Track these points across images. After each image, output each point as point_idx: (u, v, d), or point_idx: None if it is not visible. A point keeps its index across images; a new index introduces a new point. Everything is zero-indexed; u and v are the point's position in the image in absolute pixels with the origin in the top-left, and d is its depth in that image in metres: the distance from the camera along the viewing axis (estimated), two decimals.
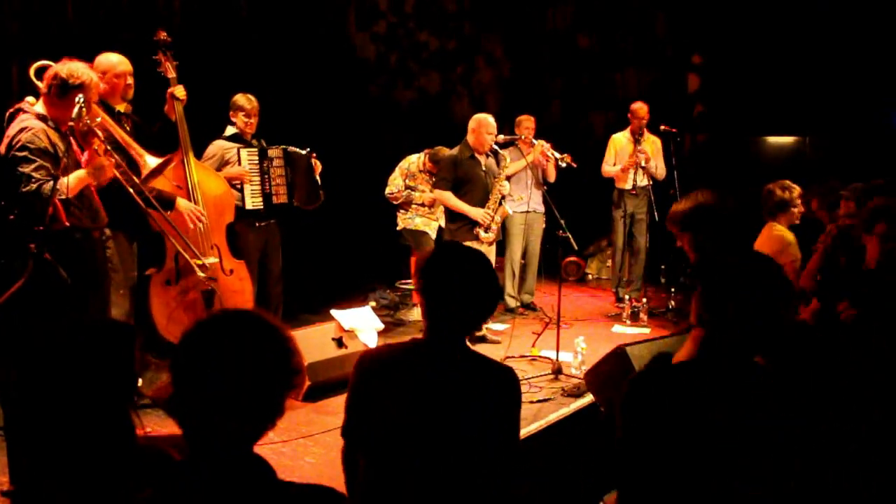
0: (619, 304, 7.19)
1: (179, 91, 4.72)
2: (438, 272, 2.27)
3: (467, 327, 2.30)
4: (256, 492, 1.54)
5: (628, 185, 7.27)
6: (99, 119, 4.06)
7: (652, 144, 7.33)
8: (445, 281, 2.24)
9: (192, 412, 1.53)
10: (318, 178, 5.57)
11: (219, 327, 1.58)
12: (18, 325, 3.31)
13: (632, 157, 7.19)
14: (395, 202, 6.77)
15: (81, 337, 1.89)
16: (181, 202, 4.56)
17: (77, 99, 3.74)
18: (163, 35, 4.75)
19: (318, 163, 5.56)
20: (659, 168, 7.33)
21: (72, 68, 3.80)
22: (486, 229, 5.85)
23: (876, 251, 3.44)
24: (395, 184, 6.75)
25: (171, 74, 4.75)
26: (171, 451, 1.89)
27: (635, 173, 7.21)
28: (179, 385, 1.54)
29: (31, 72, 3.97)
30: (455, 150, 6.02)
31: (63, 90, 3.77)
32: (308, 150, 5.51)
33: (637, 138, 7.25)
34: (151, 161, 4.11)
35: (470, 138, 5.94)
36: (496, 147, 6.00)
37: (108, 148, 3.91)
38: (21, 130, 3.72)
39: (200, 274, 4.31)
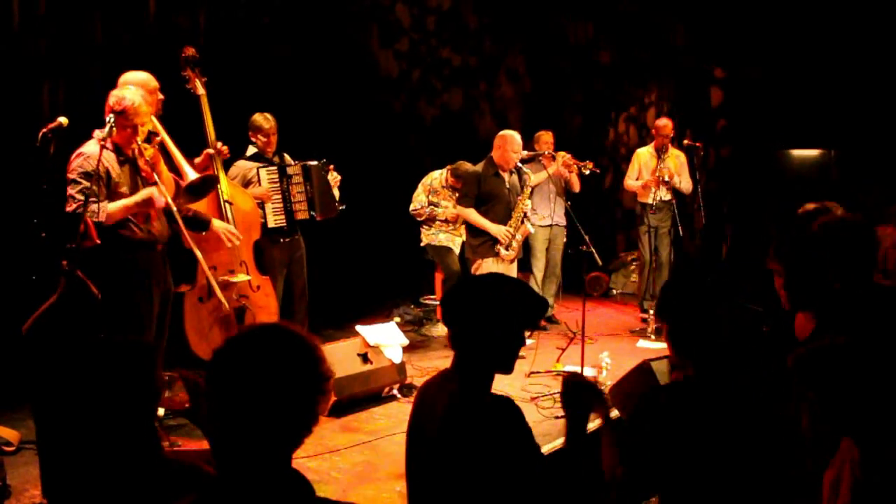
0: (644, 317, 7.13)
1: (221, 147, 4.81)
2: (465, 307, 2.24)
3: (495, 365, 2.23)
4: None
5: (650, 201, 7.25)
6: (159, 138, 4.21)
7: (675, 159, 7.30)
8: (470, 316, 2.20)
9: (229, 426, 1.55)
10: (335, 190, 5.56)
11: (247, 342, 1.62)
12: (50, 342, 3.38)
13: (654, 173, 7.18)
14: (418, 218, 6.79)
15: (98, 355, 1.93)
16: (216, 222, 4.63)
17: (108, 119, 3.88)
18: (190, 52, 4.81)
19: (337, 175, 5.56)
20: (684, 183, 7.29)
21: (117, 95, 3.98)
22: (507, 247, 5.85)
23: None
24: (418, 200, 6.77)
25: (201, 91, 4.80)
26: (204, 465, 1.92)
27: (657, 189, 7.19)
28: (215, 402, 1.56)
29: None
30: (479, 167, 6.02)
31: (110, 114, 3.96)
32: (324, 160, 5.51)
33: (660, 155, 7.24)
34: (191, 173, 4.25)
35: (495, 155, 5.95)
36: (519, 164, 6.02)
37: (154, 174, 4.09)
38: (77, 156, 3.97)
39: (221, 298, 4.38)
